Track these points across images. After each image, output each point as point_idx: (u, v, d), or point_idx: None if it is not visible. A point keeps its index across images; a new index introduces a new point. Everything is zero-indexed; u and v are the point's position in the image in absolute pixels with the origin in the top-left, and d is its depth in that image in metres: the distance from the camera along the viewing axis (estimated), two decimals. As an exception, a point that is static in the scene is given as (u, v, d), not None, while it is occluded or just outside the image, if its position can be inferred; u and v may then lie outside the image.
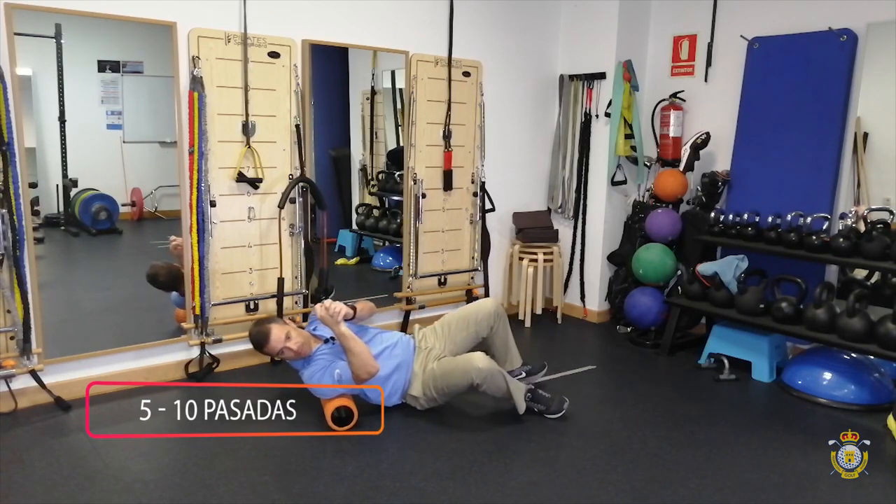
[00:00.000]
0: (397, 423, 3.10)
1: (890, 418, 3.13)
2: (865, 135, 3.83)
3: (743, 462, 2.81)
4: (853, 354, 3.51)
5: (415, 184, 4.24)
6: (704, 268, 4.00)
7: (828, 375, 3.50)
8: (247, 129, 3.56)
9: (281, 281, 3.72)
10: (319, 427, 3.02)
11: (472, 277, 4.67)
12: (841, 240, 3.48)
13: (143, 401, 3.27)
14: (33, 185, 3.65)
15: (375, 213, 4.94)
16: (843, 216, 3.65)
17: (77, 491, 2.46)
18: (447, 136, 4.34)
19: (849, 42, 3.72)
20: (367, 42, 4.01)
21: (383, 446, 2.88)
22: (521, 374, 3.45)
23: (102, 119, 4.21)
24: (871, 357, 3.41)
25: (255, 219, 3.69)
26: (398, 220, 4.55)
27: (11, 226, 2.93)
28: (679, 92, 4.52)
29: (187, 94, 3.33)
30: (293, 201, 3.78)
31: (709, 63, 4.43)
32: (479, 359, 3.04)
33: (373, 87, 4.70)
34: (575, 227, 4.95)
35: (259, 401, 3.33)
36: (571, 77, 4.89)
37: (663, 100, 4.58)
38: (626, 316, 4.54)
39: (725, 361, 3.82)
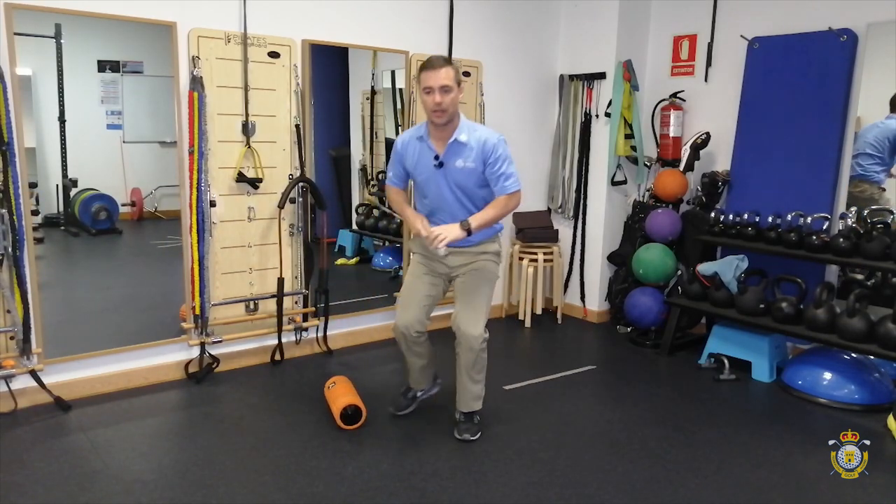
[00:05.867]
0: (397, 422, 3.10)
1: (890, 418, 3.13)
2: (865, 135, 3.82)
3: (743, 462, 2.81)
4: (853, 354, 3.51)
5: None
6: (704, 268, 4.00)
7: (828, 375, 3.49)
8: (247, 129, 3.56)
9: (281, 281, 3.72)
10: (319, 427, 3.02)
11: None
12: (841, 240, 3.48)
13: (144, 401, 3.29)
14: (33, 185, 3.65)
15: (375, 213, 4.94)
16: (843, 216, 3.64)
17: (77, 491, 2.46)
18: (447, 136, 4.34)
19: (849, 42, 3.72)
20: (367, 42, 4.01)
21: (383, 446, 2.88)
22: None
23: (102, 119, 4.21)
24: (871, 357, 3.42)
25: (255, 219, 3.69)
26: (398, 220, 4.55)
27: (11, 226, 2.93)
28: (679, 92, 4.52)
29: (187, 94, 3.33)
30: (293, 201, 3.78)
31: (709, 63, 4.43)
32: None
33: (373, 87, 4.70)
34: (575, 227, 4.95)
35: (259, 401, 3.34)
36: (571, 77, 4.89)
37: (663, 100, 4.58)
38: (626, 316, 4.54)
39: (725, 361, 3.82)
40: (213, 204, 3.47)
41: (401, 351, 3.11)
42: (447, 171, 2.82)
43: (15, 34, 2.91)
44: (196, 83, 3.33)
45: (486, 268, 2.95)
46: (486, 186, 2.87)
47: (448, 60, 2.76)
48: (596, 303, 4.92)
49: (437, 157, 2.82)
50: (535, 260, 4.75)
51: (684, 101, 4.52)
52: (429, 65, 2.72)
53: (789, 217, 3.78)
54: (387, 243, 4.98)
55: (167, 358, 3.54)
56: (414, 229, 2.90)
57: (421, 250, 3.01)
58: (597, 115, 4.78)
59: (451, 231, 2.72)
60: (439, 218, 2.90)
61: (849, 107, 3.79)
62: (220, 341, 3.60)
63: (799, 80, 3.94)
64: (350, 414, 3.01)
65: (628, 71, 4.54)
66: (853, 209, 3.67)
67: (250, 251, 3.70)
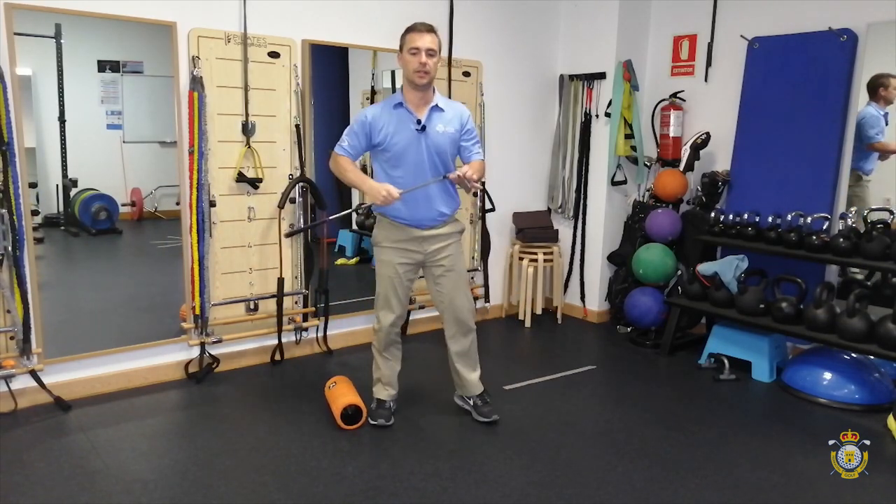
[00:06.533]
0: (397, 422, 3.09)
1: (890, 418, 3.13)
2: (865, 135, 3.82)
3: (743, 462, 2.81)
4: (853, 354, 3.51)
5: (415, 184, 4.23)
6: (704, 268, 4.00)
7: (828, 375, 3.49)
8: (247, 129, 3.57)
9: (281, 281, 3.72)
10: (319, 427, 3.02)
11: (472, 277, 4.67)
12: (841, 240, 3.48)
13: (144, 401, 3.29)
14: (33, 185, 3.65)
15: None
16: (843, 216, 3.65)
17: (77, 491, 2.46)
18: (447, 136, 4.33)
19: (849, 42, 3.72)
20: (367, 42, 4.01)
21: (383, 446, 2.88)
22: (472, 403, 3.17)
23: (102, 119, 4.21)
24: (871, 357, 3.41)
25: (255, 219, 3.69)
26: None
27: (11, 226, 2.93)
28: (679, 92, 4.52)
29: (187, 94, 3.34)
30: (293, 201, 3.78)
31: (709, 63, 4.43)
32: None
33: (373, 87, 4.69)
34: (575, 227, 4.95)
35: (259, 401, 3.34)
36: (571, 77, 4.89)
37: (663, 100, 4.58)
38: (626, 316, 4.54)
39: (725, 361, 3.82)
40: (212, 204, 3.47)
41: (375, 359, 3.12)
42: (428, 135, 2.86)
43: (15, 34, 2.91)
44: (196, 83, 3.33)
45: (460, 251, 3.07)
46: (454, 153, 2.99)
47: (432, 28, 2.84)
48: (596, 303, 4.92)
49: (418, 122, 2.85)
50: (535, 260, 4.74)
51: (684, 101, 4.52)
52: (415, 28, 2.83)
53: (789, 217, 3.78)
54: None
55: (167, 358, 3.54)
56: (380, 194, 2.75)
57: (390, 243, 2.96)
58: (597, 115, 4.78)
59: (475, 168, 2.88)
60: (414, 190, 2.86)
61: (849, 107, 3.79)
62: (220, 341, 3.60)
63: (799, 80, 3.94)
64: (350, 414, 3.01)
65: (628, 71, 4.54)
66: (853, 209, 3.67)
67: (250, 251, 3.70)
